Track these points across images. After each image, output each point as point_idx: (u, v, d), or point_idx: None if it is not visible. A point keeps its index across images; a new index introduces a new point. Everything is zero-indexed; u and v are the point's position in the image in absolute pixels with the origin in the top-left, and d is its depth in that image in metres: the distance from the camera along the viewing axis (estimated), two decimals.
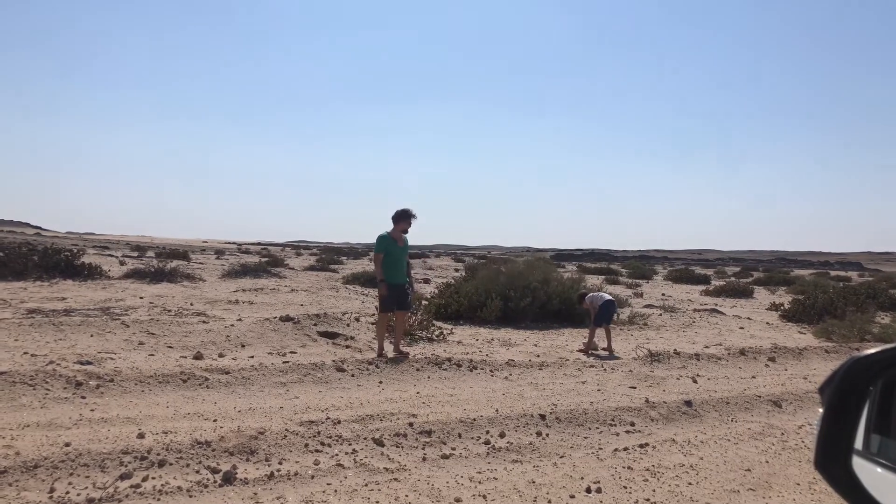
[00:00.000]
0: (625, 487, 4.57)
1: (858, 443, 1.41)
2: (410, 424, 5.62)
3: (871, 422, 1.46)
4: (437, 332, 11.20)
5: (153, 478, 4.20)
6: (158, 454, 4.52)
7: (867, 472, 1.33)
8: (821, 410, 1.38)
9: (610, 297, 11.17)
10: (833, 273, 69.29)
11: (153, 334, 9.38)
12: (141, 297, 15.18)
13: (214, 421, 5.49)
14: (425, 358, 8.62)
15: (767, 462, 5.31)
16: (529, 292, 14.10)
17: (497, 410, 6.30)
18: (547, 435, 5.69)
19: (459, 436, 5.50)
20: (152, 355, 8.22)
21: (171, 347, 8.76)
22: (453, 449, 5.22)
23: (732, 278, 44.38)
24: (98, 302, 13.70)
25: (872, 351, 1.36)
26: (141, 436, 4.90)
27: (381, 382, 7.40)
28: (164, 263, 22.79)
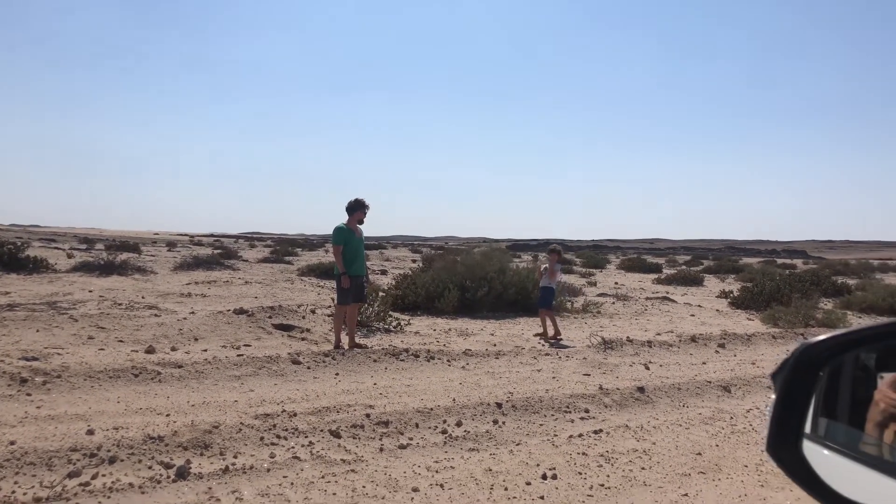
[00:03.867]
0: (580, 473, 4.64)
1: (807, 427, 1.45)
2: (367, 415, 5.61)
3: (819, 406, 1.50)
4: (394, 324, 11.19)
5: (103, 475, 4.11)
6: (109, 451, 4.43)
7: (815, 455, 1.37)
8: (773, 396, 1.42)
9: (550, 285, 11.18)
10: (779, 261, 71.25)
11: (103, 328, 9.16)
12: (90, 291, 14.82)
13: (167, 415, 5.40)
14: (382, 349, 8.61)
15: (717, 446, 5.45)
16: (486, 282, 14.18)
17: (454, 400, 6.33)
18: (503, 423, 5.74)
19: (417, 426, 5.51)
20: (102, 350, 8.04)
21: (121, 342, 8.57)
22: (410, 439, 5.23)
23: (683, 267, 45.26)
24: (44, 296, 13.33)
25: (822, 337, 1.40)
26: (90, 432, 4.80)
27: (337, 374, 7.36)
28: (114, 256, 22.25)
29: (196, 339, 9.00)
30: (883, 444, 1.28)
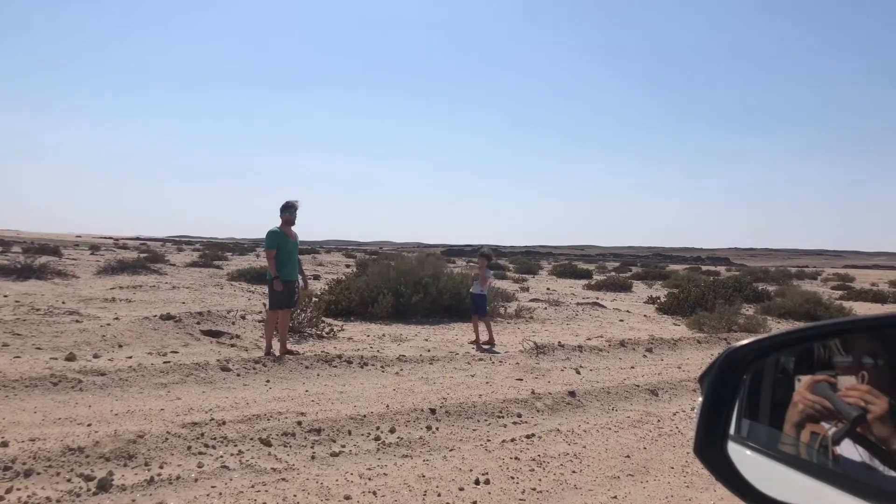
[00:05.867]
0: (512, 478, 4.68)
1: (731, 428, 1.49)
2: (299, 423, 5.53)
3: (742, 407, 1.55)
4: (326, 329, 11.06)
5: (18, 489, 3.92)
6: (24, 463, 4.23)
7: (739, 455, 1.41)
8: (700, 399, 1.45)
9: (481, 291, 11.25)
10: (704, 268, 73.62)
11: (19, 335, 8.75)
12: (5, 296, 14.15)
13: (89, 425, 5.20)
14: (315, 355, 8.50)
15: (645, 448, 5.58)
16: (421, 288, 14.17)
17: (388, 406, 6.30)
18: (437, 429, 5.74)
19: (349, 433, 5.46)
20: (18, 357, 7.68)
21: (39, 349, 8.21)
22: (343, 446, 5.17)
23: (613, 273, 46.29)
24: None
25: (746, 341, 1.44)
26: (4, 444, 4.58)
27: (268, 381, 7.23)
28: (32, 259, 21.29)
29: (120, 346, 8.70)
30: (800, 444, 1.34)
